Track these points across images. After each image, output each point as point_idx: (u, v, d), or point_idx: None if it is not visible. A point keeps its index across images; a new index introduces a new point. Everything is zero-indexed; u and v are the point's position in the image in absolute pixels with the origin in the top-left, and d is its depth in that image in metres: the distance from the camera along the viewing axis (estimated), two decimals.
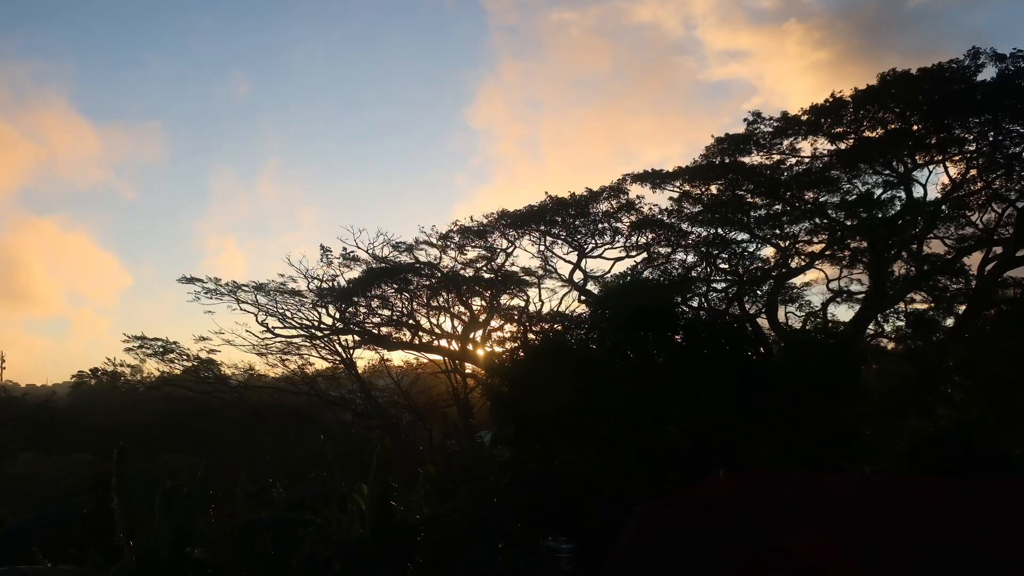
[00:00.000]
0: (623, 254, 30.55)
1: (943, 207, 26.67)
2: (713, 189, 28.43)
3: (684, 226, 29.21)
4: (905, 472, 16.72)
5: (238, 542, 13.65)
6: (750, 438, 16.03)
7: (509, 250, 31.16)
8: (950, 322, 26.73)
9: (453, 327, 33.00)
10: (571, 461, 16.46)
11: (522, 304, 32.56)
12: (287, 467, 22.26)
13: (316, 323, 32.95)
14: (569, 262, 30.82)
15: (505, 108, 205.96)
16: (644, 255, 30.34)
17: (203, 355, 34.90)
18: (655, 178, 28.68)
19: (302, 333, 33.27)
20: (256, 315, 32.32)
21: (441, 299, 32.57)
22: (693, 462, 15.76)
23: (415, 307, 32.67)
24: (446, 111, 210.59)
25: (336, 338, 33.52)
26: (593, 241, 30.35)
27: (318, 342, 33.53)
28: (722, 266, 29.99)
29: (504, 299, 32.73)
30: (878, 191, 27.30)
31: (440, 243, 30.76)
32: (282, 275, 32.57)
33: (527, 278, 31.85)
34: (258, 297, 32.34)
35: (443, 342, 33.08)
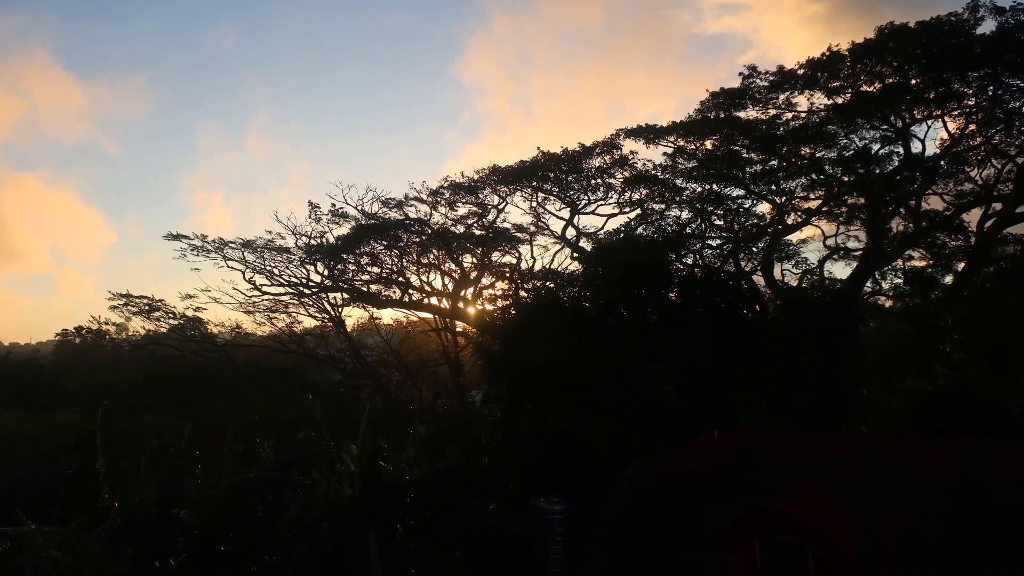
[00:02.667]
0: (616, 210, 30.12)
1: (942, 163, 26.28)
2: (708, 144, 27.95)
3: (678, 182, 28.77)
4: (903, 431, 16.54)
5: (225, 503, 13.42)
6: (745, 397, 15.80)
7: (500, 206, 30.72)
8: (949, 279, 26.47)
9: (444, 284, 32.59)
10: (564, 420, 16.22)
11: (514, 261, 32.22)
12: (275, 427, 22.02)
13: (304, 280, 32.50)
14: (562, 219, 30.42)
15: (496, 63, 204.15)
16: (638, 211, 29.91)
17: (189, 313, 34.49)
18: (649, 133, 28.15)
19: (290, 291, 32.86)
20: (243, 272, 31.87)
21: (431, 256, 32.13)
22: (687, 421, 15.59)
23: (405, 264, 32.22)
24: (436, 66, 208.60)
25: (324, 296, 33.08)
26: (586, 197, 29.92)
27: (306, 300, 33.12)
28: (717, 223, 29.58)
29: (495, 256, 32.34)
30: (876, 146, 26.90)
31: (430, 199, 30.24)
32: (270, 232, 32.09)
33: (519, 235, 31.47)
34: (245, 254, 31.85)
35: (433, 300, 32.71)
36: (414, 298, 32.58)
